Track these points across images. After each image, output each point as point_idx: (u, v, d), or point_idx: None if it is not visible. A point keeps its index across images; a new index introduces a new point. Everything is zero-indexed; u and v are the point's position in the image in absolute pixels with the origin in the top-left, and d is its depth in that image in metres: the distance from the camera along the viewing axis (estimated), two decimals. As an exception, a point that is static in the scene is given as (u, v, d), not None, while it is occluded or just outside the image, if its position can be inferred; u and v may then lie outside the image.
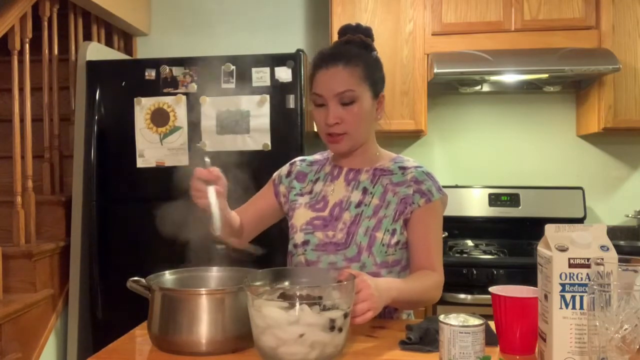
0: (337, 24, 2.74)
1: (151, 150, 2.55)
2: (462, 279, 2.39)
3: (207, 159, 1.31)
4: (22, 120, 2.56)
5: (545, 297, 1.00)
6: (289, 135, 2.47)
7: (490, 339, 1.10)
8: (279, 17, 3.23)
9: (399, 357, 1.12)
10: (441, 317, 1.03)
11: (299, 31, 3.23)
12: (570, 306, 0.96)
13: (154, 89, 2.55)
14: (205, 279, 1.35)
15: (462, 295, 2.38)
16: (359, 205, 1.42)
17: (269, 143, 2.47)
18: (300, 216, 1.46)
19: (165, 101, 2.54)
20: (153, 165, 2.55)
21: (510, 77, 2.73)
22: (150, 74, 2.56)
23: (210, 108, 2.51)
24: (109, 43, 3.15)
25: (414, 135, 3.03)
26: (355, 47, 1.40)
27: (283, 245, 1.51)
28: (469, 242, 2.79)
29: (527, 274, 2.24)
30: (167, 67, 2.55)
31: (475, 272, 2.38)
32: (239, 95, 2.49)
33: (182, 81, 2.54)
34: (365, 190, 1.43)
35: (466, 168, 3.08)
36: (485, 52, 2.60)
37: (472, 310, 1.26)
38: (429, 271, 1.38)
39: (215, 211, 1.25)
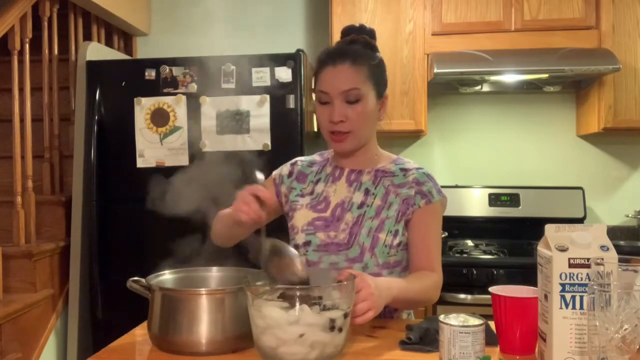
0: (337, 24, 2.74)
1: (151, 150, 2.55)
2: (462, 279, 2.39)
3: (259, 176, 1.29)
4: (22, 120, 2.56)
5: (545, 297, 1.00)
6: (289, 135, 2.47)
7: (490, 339, 1.10)
8: (279, 17, 3.23)
9: (399, 357, 1.12)
10: (441, 317, 1.03)
11: (299, 31, 3.23)
12: (570, 306, 0.96)
13: (154, 89, 2.55)
14: (205, 279, 1.35)
15: (462, 295, 2.38)
16: (361, 206, 1.42)
17: (269, 143, 2.47)
18: (302, 217, 1.46)
19: (165, 101, 2.54)
20: (153, 165, 2.54)
21: (510, 77, 2.73)
22: (150, 74, 2.56)
23: (210, 108, 2.51)
24: (109, 43, 3.15)
25: (414, 135, 3.03)
26: (361, 47, 1.40)
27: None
28: (469, 242, 2.79)
29: (527, 274, 2.24)
30: (167, 67, 2.55)
31: (475, 272, 2.38)
32: (239, 95, 2.49)
33: (182, 81, 2.54)
34: (367, 191, 1.43)
35: (466, 168, 3.08)
36: (485, 52, 2.60)
37: (472, 310, 1.26)
38: (428, 272, 1.38)
39: (265, 241, 1.19)
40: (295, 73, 2.47)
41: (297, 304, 1.00)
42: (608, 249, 0.96)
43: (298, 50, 2.51)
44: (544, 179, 2.99)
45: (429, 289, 1.36)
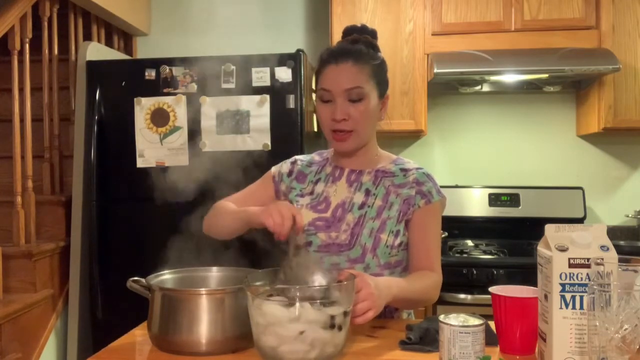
0: (337, 24, 2.74)
1: (151, 150, 2.55)
2: (462, 279, 2.39)
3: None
4: (22, 120, 2.56)
5: (545, 297, 1.00)
6: (289, 135, 2.47)
7: (490, 339, 1.10)
8: (279, 17, 3.23)
9: (399, 357, 1.12)
10: (441, 317, 1.03)
11: (299, 31, 3.23)
12: (570, 306, 0.96)
13: (154, 89, 2.55)
14: (205, 279, 1.35)
15: (462, 295, 2.38)
16: (362, 206, 1.42)
17: (269, 143, 2.47)
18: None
19: (165, 101, 2.54)
20: (153, 165, 2.54)
21: (510, 77, 2.73)
22: (150, 74, 2.56)
23: (210, 108, 2.51)
24: (109, 43, 3.15)
25: (414, 135, 3.03)
26: (363, 47, 1.40)
27: (283, 245, 1.51)
28: (469, 242, 2.79)
29: (527, 274, 2.24)
30: (167, 67, 2.55)
31: (475, 272, 2.38)
32: (239, 95, 2.49)
33: (182, 81, 2.54)
34: (367, 192, 1.43)
35: (466, 168, 3.08)
36: (485, 52, 2.60)
37: (472, 310, 1.26)
38: (428, 271, 1.38)
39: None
40: (295, 73, 2.47)
41: (297, 301, 1.00)
42: (608, 249, 0.96)
43: (298, 50, 2.51)
44: (544, 179, 2.99)
45: (428, 289, 1.36)
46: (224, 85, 2.50)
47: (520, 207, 2.87)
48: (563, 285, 0.96)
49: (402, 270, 1.43)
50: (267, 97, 2.47)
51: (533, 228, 2.54)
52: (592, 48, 2.61)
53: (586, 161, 3.00)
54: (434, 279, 1.38)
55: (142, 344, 1.22)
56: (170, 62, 2.56)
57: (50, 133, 2.78)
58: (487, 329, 1.03)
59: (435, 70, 2.54)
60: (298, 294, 1.02)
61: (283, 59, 2.48)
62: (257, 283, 1.13)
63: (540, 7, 2.66)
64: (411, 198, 1.41)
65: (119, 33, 3.25)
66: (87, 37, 3.00)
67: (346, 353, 1.12)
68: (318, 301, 1.02)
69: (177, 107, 2.53)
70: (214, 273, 1.37)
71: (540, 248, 1.03)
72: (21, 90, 2.58)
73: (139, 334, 1.29)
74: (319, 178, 1.50)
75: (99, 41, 3.05)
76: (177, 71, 2.55)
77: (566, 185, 2.94)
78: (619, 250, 0.97)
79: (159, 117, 2.54)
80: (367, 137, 1.43)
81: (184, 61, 2.55)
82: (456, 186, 2.97)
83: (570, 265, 0.96)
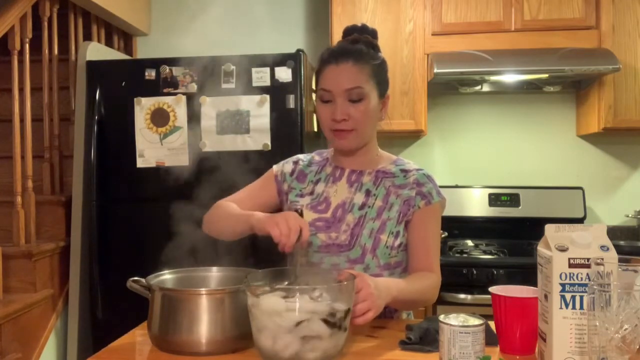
0: (337, 24, 2.74)
1: (151, 150, 2.55)
2: (462, 279, 2.39)
3: (300, 211, 1.33)
4: (22, 120, 2.56)
5: (545, 297, 1.00)
6: (289, 135, 2.47)
7: (490, 339, 1.10)
8: (279, 17, 3.23)
9: (399, 357, 1.12)
10: (441, 317, 1.03)
11: (299, 31, 3.23)
12: (570, 306, 0.96)
13: (154, 89, 2.55)
14: (205, 279, 1.35)
15: (462, 295, 2.38)
16: (362, 207, 1.42)
17: (269, 143, 2.47)
18: None
19: (165, 101, 2.54)
20: (153, 165, 2.54)
21: (510, 77, 2.73)
22: (150, 74, 2.56)
23: (210, 108, 2.51)
24: (109, 43, 3.15)
25: (414, 135, 3.03)
26: (364, 47, 1.40)
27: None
28: (469, 242, 2.79)
29: (527, 274, 2.24)
30: (167, 67, 2.55)
31: (475, 272, 2.38)
32: (239, 95, 2.49)
33: (182, 81, 2.54)
34: (368, 192, 1.43)
35: (466, 168, 3.08)
36: (485, 52, 2.60)
37: (472, 310, 1.26)
38: (427, 272, 1.38)
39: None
40: (295, 73, 2.47)
41: (297, 295, 1.01)
42: (608, 249, 0.96)
43: (298, 50, 2.51)
44: (544, 179, 2.99)
45: (428, 290, 1.36)
46: (224, 85, 2.50)
47: (520, 207, 2.87)
48: (563, 285, 0.96)
49: (402, 271, 1.43)
50: (267, 97, 2.47)
51: (533, 228, 2.54)
52: (592, 48, 2.61)
53: (586, 161, 3.00)
54: (433, 280, 1.38)
55: (142, 344, 1.22)
56: (170, 62, 2.56)
57: (50, 133, 2.78)
58: (487, 329, 1.03)
59: (435, 70, 2.54)
60: (298, 292, 1.02)
61: (283, 59, 2.48)
62: (257, 283, 1.13)
63: (540, 7, 2.66)
64: (411, 199, 1.41)
65: (119, 33, 3.25)
66: (87, 37, 3.00)
67: (346, 353, 1.12)
68: (317, 293, 1.02)
69: (177, 107, 2.53)
70: (214, 273, 1.36)
71: (540, 248, 1.03)
72: (21, 90, 2.58)
73: (139, 334, 1.29)
74: (319, 178, 1.49)
75: (99, 41, 3.05)
76: (177, 71, 2.55)
77: (566, 185, 2.94)
78: (619, 250, 0.97)
79: (159, 117, 2.54)
80: (368, 137, 1.43)
81: (184, 61, 2.55)
82: (456, 186, 2.97)
83: (570, 265, 0.96)
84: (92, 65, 2.65)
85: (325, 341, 1.02)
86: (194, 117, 2.51)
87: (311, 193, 1.48)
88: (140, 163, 2.56)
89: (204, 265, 1.38)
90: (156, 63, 2.57)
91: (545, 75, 2.69)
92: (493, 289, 1.15)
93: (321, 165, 1.52)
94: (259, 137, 2.47)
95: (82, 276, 2.64)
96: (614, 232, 2.89)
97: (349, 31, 1.45)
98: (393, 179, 1.44)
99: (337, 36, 1.47)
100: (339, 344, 1.05)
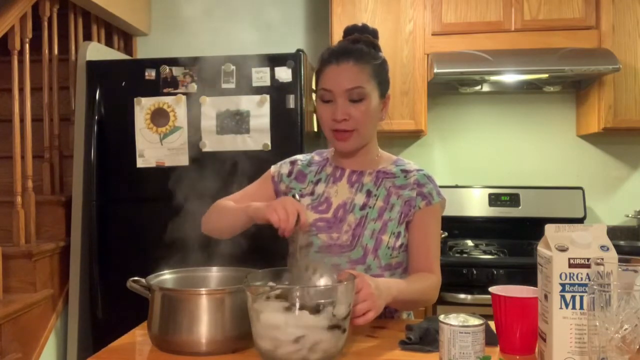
0: (337, 24, 2.74)
1: (151, 150, 2.55)
2: (462, 279, 2.39)
3: (297, 196, 1.33)
4: (22, 120, 2.56)
5: (545, 297, 1.00)
6: (289, 135, 2.47)
7: (490, 339, 1.10)
8: (279, 17, 3.23)
9: (399, 357, 1.12)
10: (441, 317, 1.03)
11: (299, 31, 3.23)
12: (570, 306, 0.96)
13: (154, 89, 2.55)
14: (205, 279, 1.35)
15: (462, 295, 2.38)
16: (363, 207, 1.41)
17: (269, 143, 2.47)
18: None
19: (165, 101, 2.54)
20: (153, 165, 2.54)
21: (510, 77, 2.73)
22: (150, 74, 2.56)
23: (210, 108, 2.51)
24: (109, 43, 3.15)
25: (414, 135, 3.03)
26: (364, 46, 1.40)
27: (283, 245, 1.51)
28: (469, 242, 2.79)
29: (527, 274, 2.24)
30: (167, 67, 2.55)
31: (475, 272, 2.38)
32: (239, 95, 2.49)
33: (182, 81, 2.54)
34: (369, 193, 1.43)
35: (466, 168, 3.08)
36: (485, 52, 2.60)
37: (472, 310, 1.26)
38: (427, 273, 1.38)
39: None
40: (295, 73, 2.47)
41: (297, 305, 1.00)
42: (608, 249, 0.96)
43: (298, 50, 2.51)
44: (544, 179, 2.99)
45: (428, 290, 1.36)
46: (224, 85, 2.50)
47: (520, 207, 2.87)
48: (563, 285, 0.96)
49: (403, 271, 1.43)
50: (267, 97, 2.47)
51: (533, 228, 2.54)
52: (592, 48, 2.61)
53: (586, 161, 3.00)
54: (433, 281, 1.38)
55: (142, 344, 1.22)
56: (170, 62, 2.56)
57: (50, 133, 2.78)
58: (487, 329, 1.03)
59: (435, 70, 2.54)
60: (298, 295, 1.02)
61: (283, 59, 2.48)
62: (257, 283, 1.13)
63: (540, 7, 2.66)
64: (412, 199, 1.41)
65: (119, 33, 3.25)
66: (87, 37, 3.00)
67: (346, 353, 1.12)
68: (317, 304, 1.01)
69: (177, 107, 2.53)
70: (214, 273, 1.36)
71: (540, 248, 1.03)
72: (21, 90, 2.58)
73: (139, 334, 1.29)
74: (319, 178, 1.49)
75: (99, 41, 3.05)
76: (177, 71, 2.55)
77: (566, 185, 2.94)
78: (619, 250, 0.97)
79: (159, 117, 2.54)
80: (368, 137, 1.42)
81: (184, 61, 2.55)
82: (456, 186, 2.97)
83: (570, 265, 0.96)
84: (92, 65, 2.65)
85: (326, 341, 1.02)
86: (194, 117, 2.51)
87: (311, 193, 1.47)
88: (140, 163, 2.56)
89: (204, 265, 1.38)
90: (156, 63, 2.57)
91: (545, 75, 2.69)
92: (493, 289, 1.15)
93: (321, 165, 1.52)
94: (259, 137, 2.47)
95: (82, 276, 2.64)
96: (614, 232, 2.89)
97: (350, 31, 1.44)
98: (394, 180, 1.44)
99: (337, 36, 1.47)
100: (339, 344, 1.05)
